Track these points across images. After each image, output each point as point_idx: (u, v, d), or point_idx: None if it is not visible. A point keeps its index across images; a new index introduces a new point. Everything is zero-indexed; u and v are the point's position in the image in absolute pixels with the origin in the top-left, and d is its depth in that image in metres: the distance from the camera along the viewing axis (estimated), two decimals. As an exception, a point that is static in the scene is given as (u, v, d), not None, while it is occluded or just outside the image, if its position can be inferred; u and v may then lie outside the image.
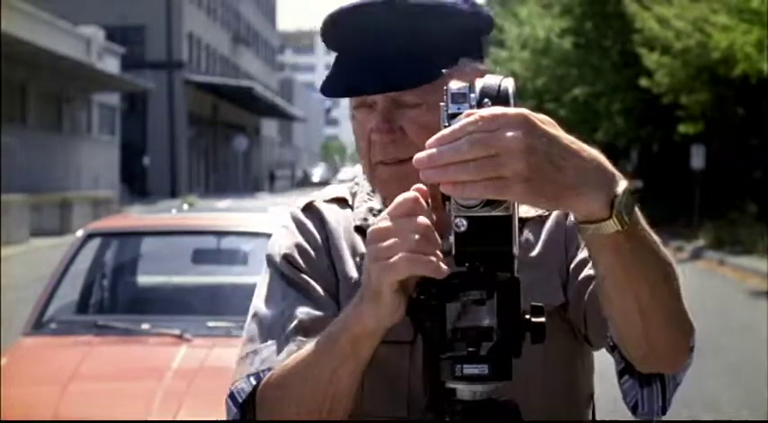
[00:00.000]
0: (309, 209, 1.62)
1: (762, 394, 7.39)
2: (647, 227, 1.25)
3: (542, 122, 1.13)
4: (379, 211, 1.25)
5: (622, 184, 1.17)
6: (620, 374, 1.44)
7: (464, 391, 1.21)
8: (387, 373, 1.48)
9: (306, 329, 1.48)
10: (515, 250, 1.18)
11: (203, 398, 3.98)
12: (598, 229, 1.17)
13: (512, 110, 1.13)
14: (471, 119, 1.12)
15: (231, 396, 1.48)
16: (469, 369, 1.19)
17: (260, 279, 1.60)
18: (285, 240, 1.59)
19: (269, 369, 1.45)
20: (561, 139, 1.14)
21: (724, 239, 19.66)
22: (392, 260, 1.22)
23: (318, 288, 1.53)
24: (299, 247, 1.57)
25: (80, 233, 5.39)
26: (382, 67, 1.44)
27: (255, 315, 1.54)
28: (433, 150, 1.12)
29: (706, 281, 14.78)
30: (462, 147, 1.10)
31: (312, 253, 1.56)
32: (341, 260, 1.55)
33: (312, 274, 1.54)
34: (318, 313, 1.49)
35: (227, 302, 5.27)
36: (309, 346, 1.40)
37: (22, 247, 21.00)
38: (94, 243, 5.37)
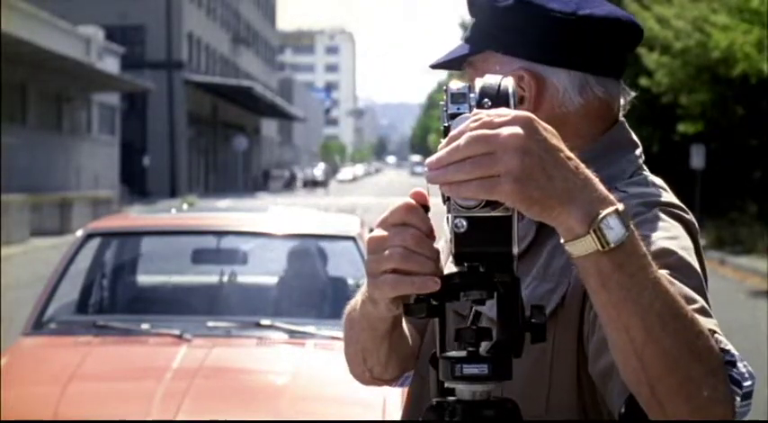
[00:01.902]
0: None
1: (762, 395, 7.38)
2: (651, 264, 1.17)
3: (545, 129, 1.13)
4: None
5: (613, 208, 1.14)
6: None
7: (464, 390, 1.21)
8: None
9: None
10: (515, 250, 1.17)
11: (203, 398, 3.98)
12: (576, 247, 1.14)
13: (517, 112, 1.14)
14: (475, 117, 1.13)
15: None
16: (469, 369, 1.19)
17: None
18: None
19: None
20: (558, 151, 1.13)
21: (724, 239, 19.68)
22: (380, 279, 1.24)
23: None
24: None
25: (80, 233, 5.39)
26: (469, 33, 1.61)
27: None
28: (442, 152, 1.13)
29: (706, 281, 14.76)
30: (460, 144, 1.11)
31: None
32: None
33: None
34: None
35: (227, 302, 5.27)
36: (352, 305, 1.54)
37: (22, 247, 21.01)
38: (94, 243, 5.37)
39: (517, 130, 1.10)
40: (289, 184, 63.57)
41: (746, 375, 1.24)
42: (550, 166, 1.12)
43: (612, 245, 1.13)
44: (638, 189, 1.48)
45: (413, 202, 1.25)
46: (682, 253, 1.36)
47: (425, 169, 1.15)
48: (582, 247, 1.14)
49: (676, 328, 1.16)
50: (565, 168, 1.13)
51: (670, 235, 1.38)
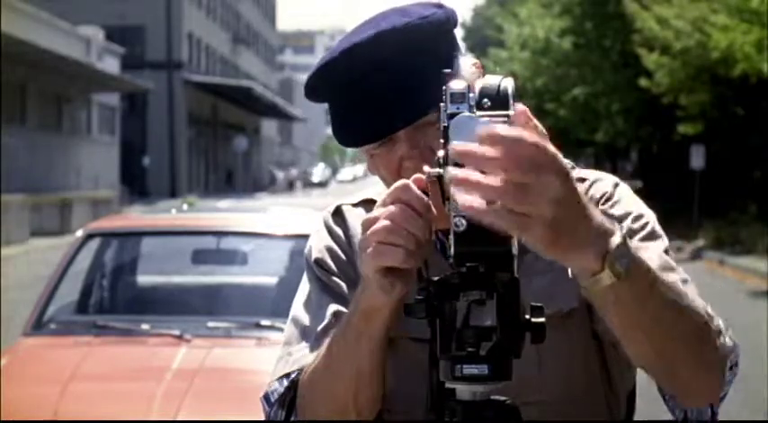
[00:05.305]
0: (338, 213, 1.66)
1: (762, 395, 7.38)
2: (654, 272, 1.24)
3: (570, 177, 1.12)
4: None
5: (617, 238, 1.17)
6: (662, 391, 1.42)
7: (464, 391, 1.21)
8: (416, 369, 1.45)
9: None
10: (515, 250, 1.17)
11: (203, 398, 3.98)
12: (593, 282, 1.18)
13: (555, 154, 1.09)
14: (515, 136, 1.06)
15: (265, 397, 1.53)
16: (469, 369, 1.19)
17: (301, 283, 1.65)
18: (318, 245, 1.63)
19: (301, 369, 1.50)
20: (581, 198, 1.14)
21: (724, 239, 19.66)
22: (367, 251, 1.28)
23: (348, 288, 1.57)
24: (329, 250, 1.61)
25: (80, 233, 5.39)
26: (400, 101, 1.43)
27: (293, 318, 1.60)
28: (469, 171, 1.07)
29: (706, 281, 14.76)
30: (501, 164, 1.05)
31: (341, 255, 1.61)
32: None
33: (342, 275, 1.59)
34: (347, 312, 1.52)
35: (226, 302, 5.27)
36: (329, 337, 1.46)
37: (22, 247, 21.00)
38: (94, 243, 5.36)
39: (554, 178, 1.08)
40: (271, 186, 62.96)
41: (730, 347, 1.37)
42: (575, 217, 1.13)
43: (624, 274, 1.17)
44: (590, 173, 1.58)
45: (408, 181, 1.27)
46: (654, 224, 1.51)
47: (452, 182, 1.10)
48: (599, 282, 1.18)
49: (685, 317, 1.28)
50: (587, 219, 1.15)
51: (639, 208, 1.52)
